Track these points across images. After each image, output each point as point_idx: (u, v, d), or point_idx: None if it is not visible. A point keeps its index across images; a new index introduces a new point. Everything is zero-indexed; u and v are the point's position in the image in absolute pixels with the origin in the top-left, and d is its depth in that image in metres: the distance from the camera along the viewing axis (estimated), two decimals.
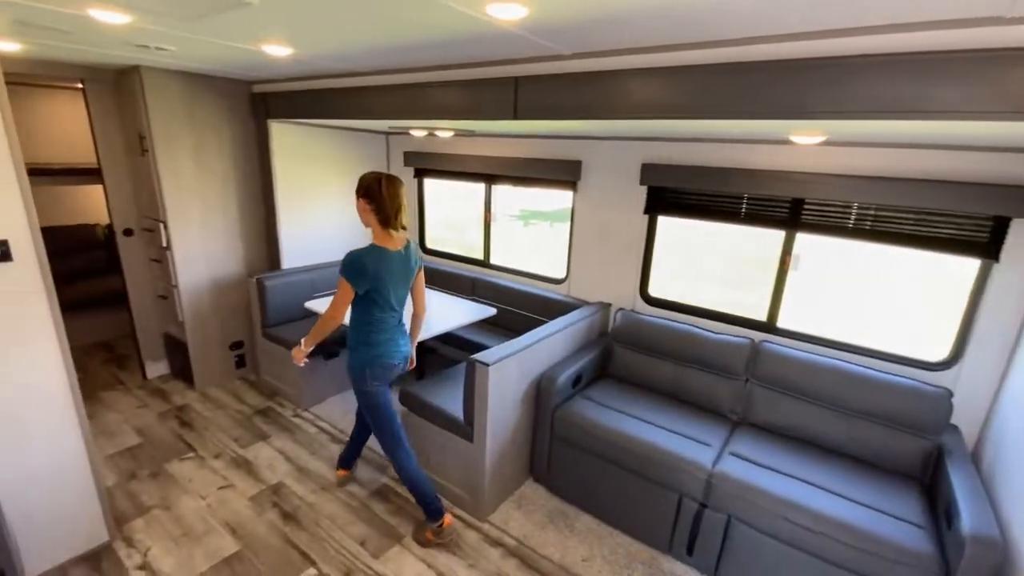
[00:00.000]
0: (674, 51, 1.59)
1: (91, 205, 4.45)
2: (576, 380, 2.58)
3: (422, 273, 2.23)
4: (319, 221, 3.72)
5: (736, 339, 2.55)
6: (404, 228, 2.02)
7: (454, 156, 3.62)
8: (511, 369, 2.28)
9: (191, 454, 2.75)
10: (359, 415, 2.47)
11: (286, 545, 2.17)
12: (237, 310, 3.53)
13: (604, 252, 3.07)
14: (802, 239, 2.49)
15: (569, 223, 3.21)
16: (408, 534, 2.26)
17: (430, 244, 4.15)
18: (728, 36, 1.45)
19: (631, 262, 2.97)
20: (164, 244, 3.14)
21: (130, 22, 1.73)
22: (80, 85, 3.01)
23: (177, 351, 3.49)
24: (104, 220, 4.16)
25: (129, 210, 3.31)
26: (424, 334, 2.64)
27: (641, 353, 2.77)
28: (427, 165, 3.80)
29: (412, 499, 2.28)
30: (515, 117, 2.02)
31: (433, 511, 2.18)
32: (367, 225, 2.03)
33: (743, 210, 2.60)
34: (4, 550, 1.82)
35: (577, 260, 3.22)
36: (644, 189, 2.83)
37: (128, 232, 3.33)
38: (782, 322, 2.62)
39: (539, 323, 3.10)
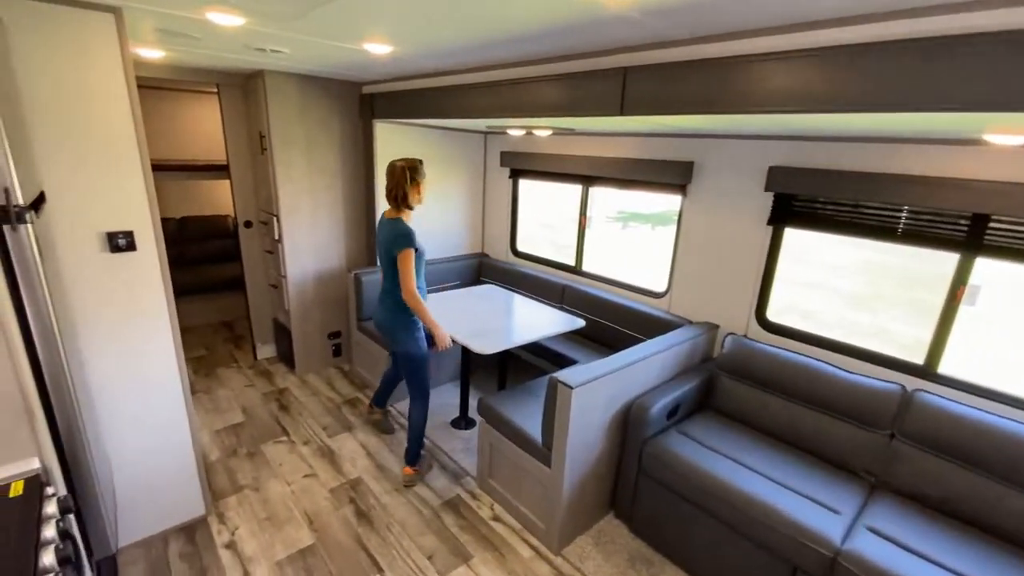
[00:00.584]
0: (831, 28, 1.26)
1: (225, 198, 5.00)
2: (672, 411, 2.29)
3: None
4: (416, 219, 3.76)
5: (882, 383, 2.08)
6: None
7: (551, 156, 3.45)
8: (598, 392, 2.06)
9: (284, 438, 2.90)
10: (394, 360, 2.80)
11: (357, 546, 2.16)
12: (337, 302, 3.70)
13: (715, 266, 2.71)
14: (984, 265, 1.96)
15: (675, 229, 2.89)
16: (476, 555, 2.15)
17: (521, 246, 4.03)
18: (924, 2, 1.10)
19: (747, 279, 2.58)
20: (276, 237, 3.36)
21: (244, 24, 1.79)
22: (215, 90, 3.31)
23: (283, 336, 3.73)
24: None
25: (249, 204, 3.60)
26: (506, 342, 2.51)
27: (753, 387, 2.38)
28: (523, 165, 3.67)
29: (480, 513, 2.24)
30: (621, 113, 1.79)
31: (412, 456, 2.54)
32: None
33: (901, 225, 2.11)
34: (98, 515, 2.00)
35: (681, 273, 2.88)
36: (770, 196, 2.43)
37: (248, 224, 3.62)
38: (946, 368, 2.09)
39: (634, 340, 2.83)
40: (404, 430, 3.02)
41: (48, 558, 1.01)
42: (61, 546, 1.04)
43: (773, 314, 2.58)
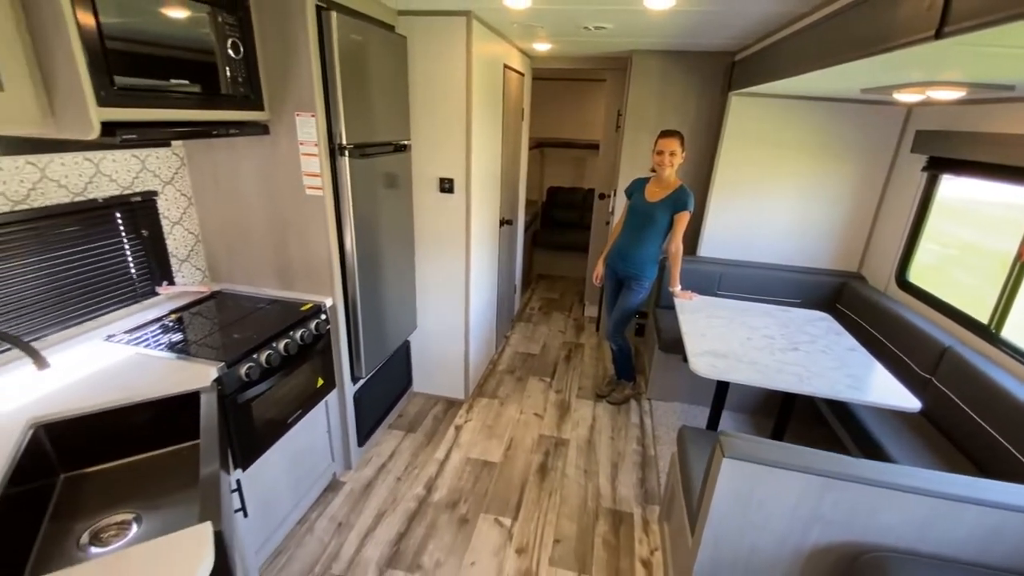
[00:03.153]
0: None
1: (591, 173, 5.74)
2: None
3: None
4: (758, 215, 3.16)
5: None
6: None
7: (1007, 138, 2.07)
8: (784, 490, 1.33)
9: (548, 379, 3.30)
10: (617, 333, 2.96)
11: (517, 490, 2.33)
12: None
13: None
14: None
15: None
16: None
17: (915, 277, 2.68)
18: None
19: None
20: (611, 209, 3.63)
21: (531, 6, 2.05)
22: (604, 78, 3.77)
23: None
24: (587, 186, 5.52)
25: (606, 179, 3.99)
26: (743, 374, 1.91)
27: None
28: (952, 152, 2.36)
29: (636, 546, 1.91)
30: None
31: (629, 374, 3.06)
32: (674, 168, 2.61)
33: None
34: (408, 367, 2.94)
35: None
36: None
37: (602, 196, 4.05)
38: None
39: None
40: (640, 413, 2.83)
41: (298, 333, 1.77)
42: (308, 332, 1.80)
43: None
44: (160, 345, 1.60)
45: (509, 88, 3.10)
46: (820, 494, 1.31)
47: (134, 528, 1.17)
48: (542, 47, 3.19)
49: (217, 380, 1.47)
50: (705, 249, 3.31)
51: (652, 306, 3.54)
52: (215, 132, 1.61)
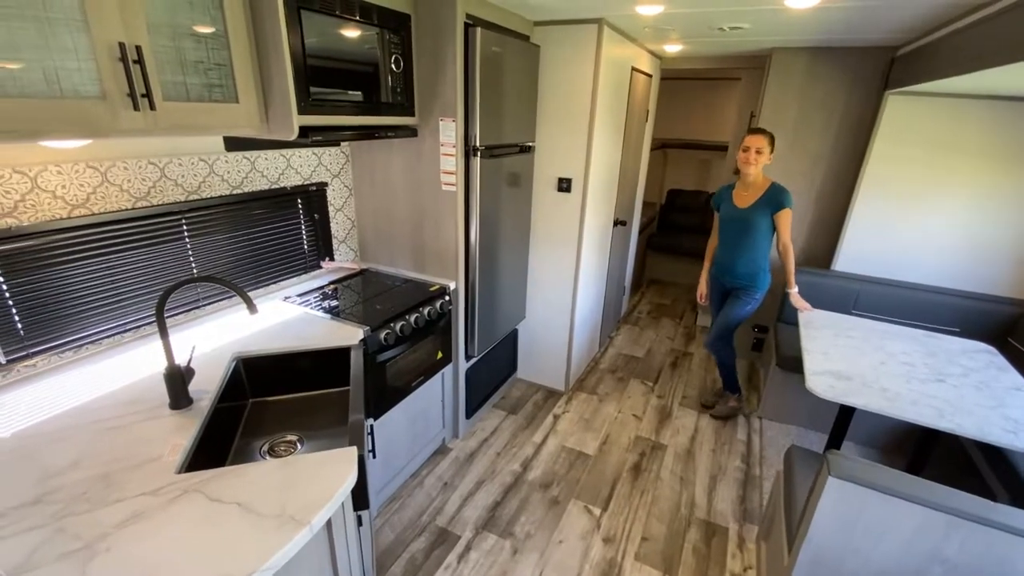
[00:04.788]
0: None
1: (709, 176, 5.48)
2: None
3: None
4: (913, 228, 2.81)
5: None
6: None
7: None
8: (895, 519, 1.24)
9: (651, 384, 3.28)
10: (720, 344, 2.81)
11: (609, 484, 2.39)
12: (772, 295, 3.44)
13: None
14: None
15: None
16: None
17: None
18: None
19: None
20: None
21: (663, 11, 2.08)
22: (739, 77, 3.60)
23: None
24: (711, 189, 5.24)
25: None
26: (869, 400, 1.77)
27: None
28: None
29: (728, 561, 1.89)
30: None
31: (734, 386, 2.91)
32: (760, 167, 2.46)
33: None
34: (514, 353, 3.12)
35: None
36: None
37: None
38: None
39: None
40: (748, 430, 2.70)
41: (426, 310, 2.05)
42: (434, 310, 2.07)
43: None
44: (322, 308, 1.96)
45: (635, 90, 3.12)
46: (945, 532, 1.20)
47: (299, 447, 1.48)
48: (673, 49, 3.17)
49: (363, 340, 1.77)
50: (842, 263, 3.02)
51: (773, 320, 3.32)
52: (377, 135, 1.92)
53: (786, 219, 2.43)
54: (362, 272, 2.40)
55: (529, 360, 3.18)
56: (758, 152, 2.38)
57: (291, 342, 1.71)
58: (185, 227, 1.75)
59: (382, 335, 1.85)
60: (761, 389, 3.08)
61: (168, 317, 1.75)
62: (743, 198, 2.52)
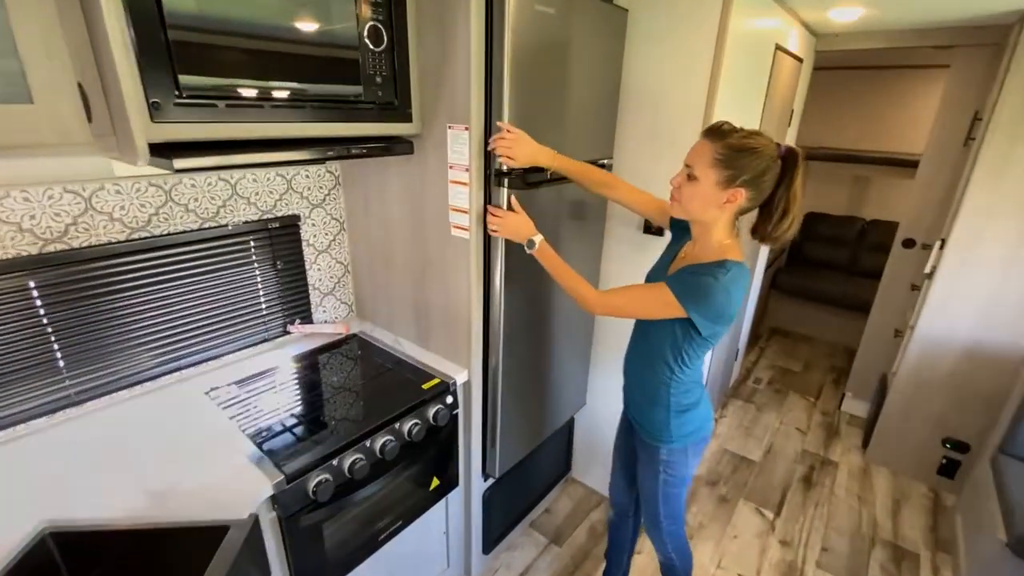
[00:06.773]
0: None
1: (868, 199, 4.09)
2: None
3: None
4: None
5: None
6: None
7: None
8: None
9: (770, 514, 2.21)
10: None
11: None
12: (984, 398, 2.19)
13: None
14: None
15: None
16: None
17: None
18: None
19: None
20: (928, 269, 2.27)
21: None
22: (943, 62, 2.36)
23: (880, 400, 2.68)
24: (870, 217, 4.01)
25: (923, 216, 2.55)
26: None
27: None
28: None
29: None
30: None
31: None
32: (706, 216, 1.12)
33: None
34: (568, 449, 2.25)
35: None
36: None
37: (910, 242, 2.62)
38: None
39: None
40: None
41: (408, 426, 1.31)
42: (427, 420, 1.36)
43: None
44: (252, 421, 1.28)
45: (778, 79, 2.10)
46: None
47: None
48: (848, 13, 2.06)
49: (272, 499, 1.06)
50: None
51: (981, 435, 2.11)
52: (336, 154, 1.19)
53: (659, 296, 1.13)
54: (347, 340, 1.71)
55: (588, 459, 2.30)
56: (690, 178, 1.11)
57: (151, 501, 1.03)
58: (37, 294, 1.16)
59: (311, 485, 1.12)
60: (957, 560, 1.87)
61: None
62: (680, 260, 1.26)
